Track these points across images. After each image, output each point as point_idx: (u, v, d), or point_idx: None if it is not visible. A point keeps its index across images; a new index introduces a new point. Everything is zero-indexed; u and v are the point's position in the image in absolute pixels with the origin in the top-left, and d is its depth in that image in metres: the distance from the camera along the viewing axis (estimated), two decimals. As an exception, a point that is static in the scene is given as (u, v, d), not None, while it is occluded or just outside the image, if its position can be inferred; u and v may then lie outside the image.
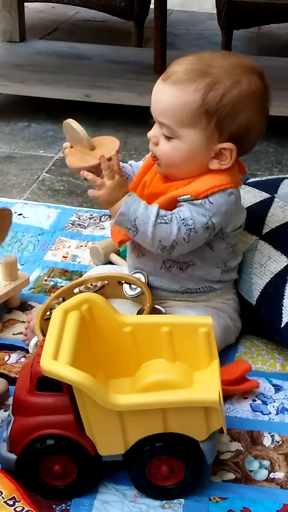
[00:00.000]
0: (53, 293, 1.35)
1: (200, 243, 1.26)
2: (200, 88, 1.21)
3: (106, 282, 1.35)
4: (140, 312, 1.28)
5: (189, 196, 1.24)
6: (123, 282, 1.34)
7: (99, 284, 1.35)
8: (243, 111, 1.23)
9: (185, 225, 1.22)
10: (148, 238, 1.23)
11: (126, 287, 1.33)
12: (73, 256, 1.63)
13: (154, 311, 1.26)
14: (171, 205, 1.25)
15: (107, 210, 1.82)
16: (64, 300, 1.25)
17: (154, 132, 1.26)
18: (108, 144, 1.30)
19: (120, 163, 1.34)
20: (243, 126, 1.24)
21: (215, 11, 2.96)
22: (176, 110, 1.22)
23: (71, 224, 1.76)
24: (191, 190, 1.25)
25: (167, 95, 1.23)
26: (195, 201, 1.24)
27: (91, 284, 1.35)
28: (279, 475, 1.10)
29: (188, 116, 1.22)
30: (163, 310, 1.28)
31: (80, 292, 1.31)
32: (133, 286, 1.32)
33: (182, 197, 1.24)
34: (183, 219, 1.22)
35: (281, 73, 2.43)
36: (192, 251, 1.27)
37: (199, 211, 1.23)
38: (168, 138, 1.24)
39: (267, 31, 3.43)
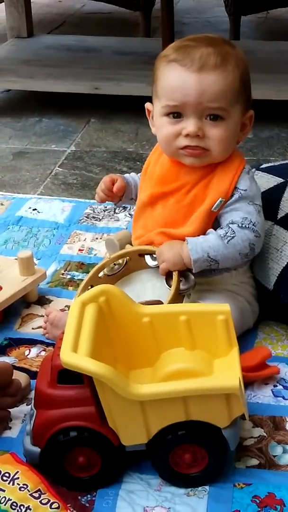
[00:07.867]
0: (71, 286, 1.35)
1: (265, 224, 1.31)
2: (233, 66, 1.25)
3: (127, 258, 1.35)
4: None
5: (220, 199, 1.26)
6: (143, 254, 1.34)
7: (121, 261, 1.35)
8: (249, 76, 1.29)
9: (247, 226, 1.25)
10: (230, 259, 1.26)
11: (147, 258, 1.33)
12: (89, 248, 1.64)
13: (183, 273, 1.27)
14: (210, 217, 1.27)
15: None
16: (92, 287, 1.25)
17: (196, 126, 1.24)
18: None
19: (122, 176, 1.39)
20: (250, 88, 1.29)
21: (222, -2, 2.95)
22: (227, 91, 1.24)
23: (86, 217, 1.77)
24: (218, 193, 1.26)
25: (214, 81, 1.23)
26: (232, 200, 1.26)
27: (114, 264, 1.35)
28: (303, 459, 1.10)
29: (236, 93, 1.25)
30: (191, 275, 1.28)
31: (105, 275, 1.32)
32: (154, 255, 1.33)
33: (216, 204, 1.26)
34: (242, 222, 1.25)
35: (291, 57, 2.42)
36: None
37: (242, 205, 1.26)
38: (214, 123, 1.25)
39: (276, 15, 3.41)
